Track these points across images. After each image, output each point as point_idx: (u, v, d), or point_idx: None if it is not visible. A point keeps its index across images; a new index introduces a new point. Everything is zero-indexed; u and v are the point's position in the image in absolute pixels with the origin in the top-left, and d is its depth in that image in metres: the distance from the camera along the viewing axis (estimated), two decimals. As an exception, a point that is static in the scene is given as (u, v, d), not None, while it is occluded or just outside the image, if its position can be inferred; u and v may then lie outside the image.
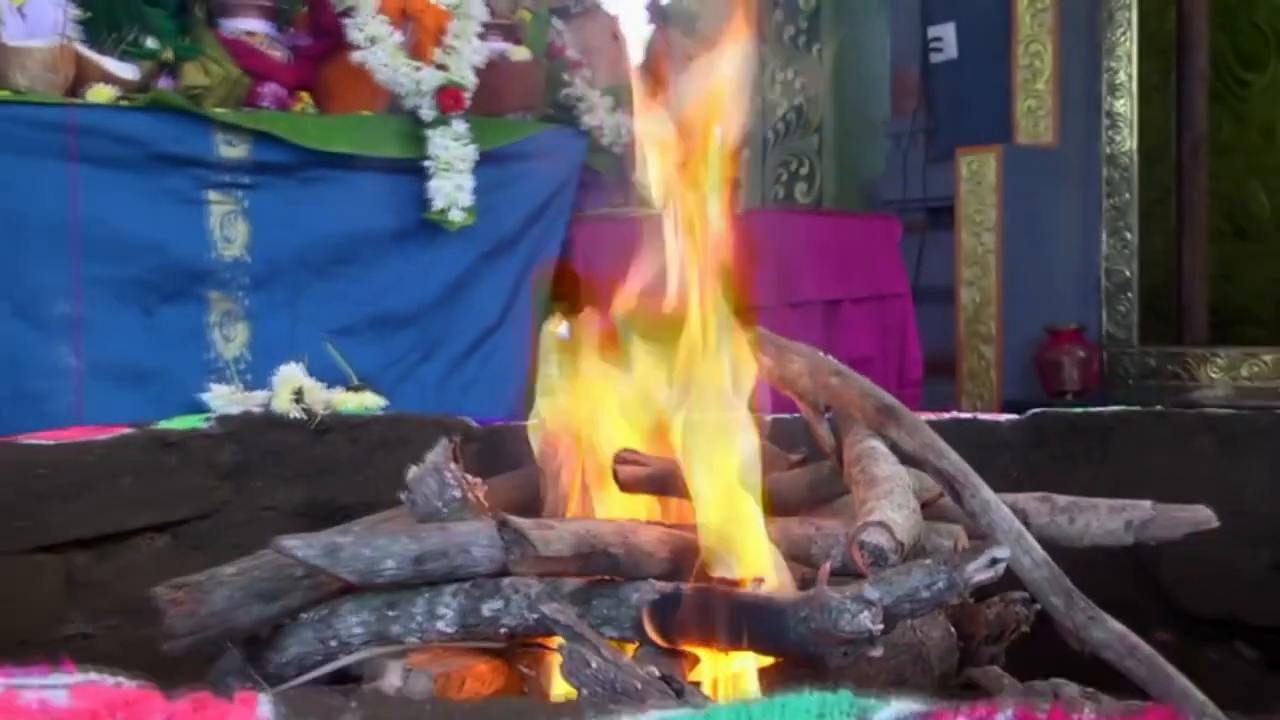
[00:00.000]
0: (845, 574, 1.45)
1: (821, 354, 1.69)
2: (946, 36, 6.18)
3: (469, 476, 1.54)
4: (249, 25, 3.83)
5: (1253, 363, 5.57)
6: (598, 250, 3.87)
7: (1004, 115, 5.86)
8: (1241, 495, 2.13)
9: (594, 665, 1.17)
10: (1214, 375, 5.60)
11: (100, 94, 3.39)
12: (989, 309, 5.80)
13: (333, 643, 1.47)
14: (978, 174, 5.84)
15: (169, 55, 3.54)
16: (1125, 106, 5.77)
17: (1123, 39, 5.74)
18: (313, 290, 3.56)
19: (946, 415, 2.41)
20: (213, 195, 3.44)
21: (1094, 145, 5.79)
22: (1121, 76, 5.77)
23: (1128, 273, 5.79)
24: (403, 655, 1.41)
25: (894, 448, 1.60)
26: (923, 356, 4.83)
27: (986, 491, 1.53)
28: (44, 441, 2.09)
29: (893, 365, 4.66)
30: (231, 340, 3.46)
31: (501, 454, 2.33)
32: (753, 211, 4.66)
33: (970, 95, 6.10)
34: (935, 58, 6.26)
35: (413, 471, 1.53)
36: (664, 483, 1.54)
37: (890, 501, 1.41)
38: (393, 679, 1.35)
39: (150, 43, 3.55)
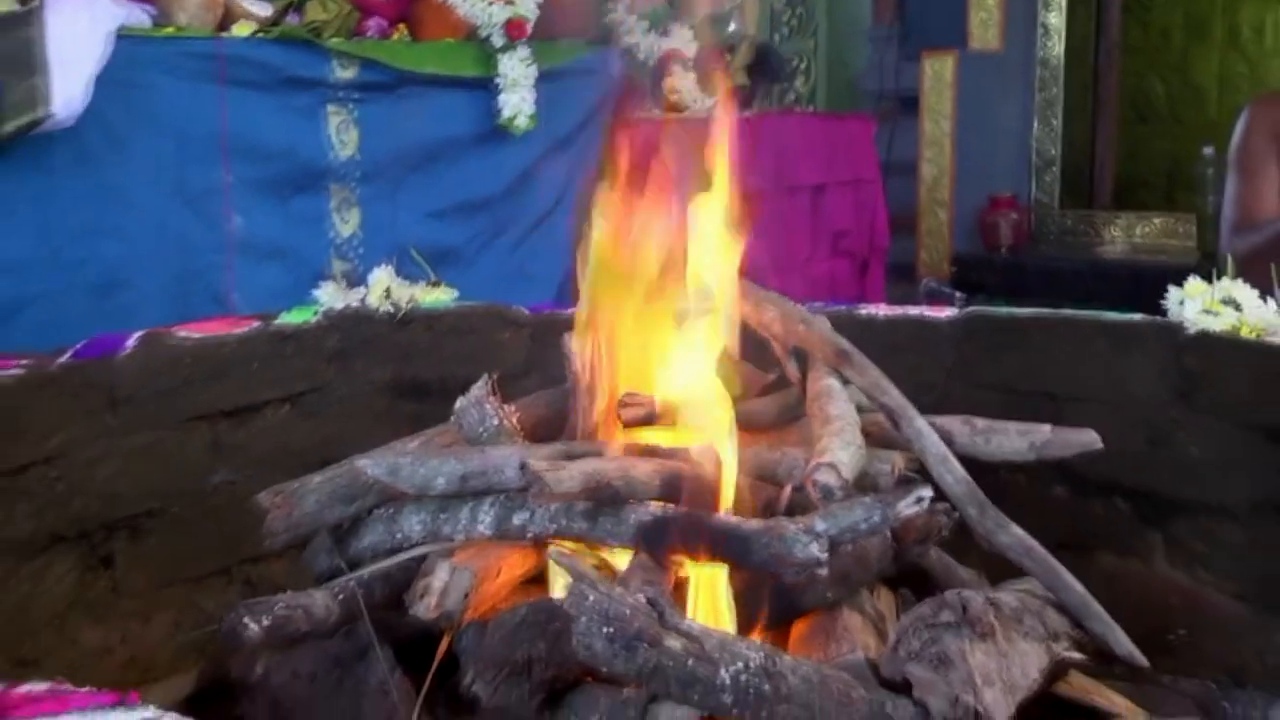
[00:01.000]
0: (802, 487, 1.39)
1: (791, 303, 1.59)
2: (918, -40, 5.98)
3: (504, 406, 1.46)
4: (361, -30, 3.66)
5: (1145, 224, 5.48)
6: (633, 146, 3.76)
7: (960, 25, 5.70)
8: (1126, 386, 2.04)
9: (591, 599, 1.10)
10: (1115, 234, 5.50)
11: (242, 29, 3.25)
12: (944, 180, 5.72)
13: (398, 535, 1.41)
14: (938, 73, 5.72)
15: (295, -7, 3.40)
16: (1056, 19, 5.60)
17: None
18: (409, 182, 3.46)
19: (898, 312, 2.32)
20: (330, 109, 3.33)
21: (1030, 50, 5.61)
22: (1055, -7, 5.60)
23: (1053, 151, 5.67)
24: (450, 554, 1.36)
25: (848, 384, 1.52)
26: (889, 227, 4.72)
27: (920, 421, 1.44)
28: (190, 335, 2.02)
29: (865, 235, 4.55)
30: (347, 222, 3.38)
31: (548, 337, 2.24)
32: (758, 114, 4.50)
33: (934, 8, 5.88)
34: (908, -24, 6.05)
35: (459, 403, 1.46)
36: (659, 419, 1.45)
37: (840, 440, 1.32)
38: (441, 575, 1.30)
39: (282, -16, 3.39)
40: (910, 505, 1.26)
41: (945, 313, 2.26)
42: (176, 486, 1.96)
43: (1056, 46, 5.59)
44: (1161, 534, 2.02)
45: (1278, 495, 1.86)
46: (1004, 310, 2.23)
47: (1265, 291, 2.70)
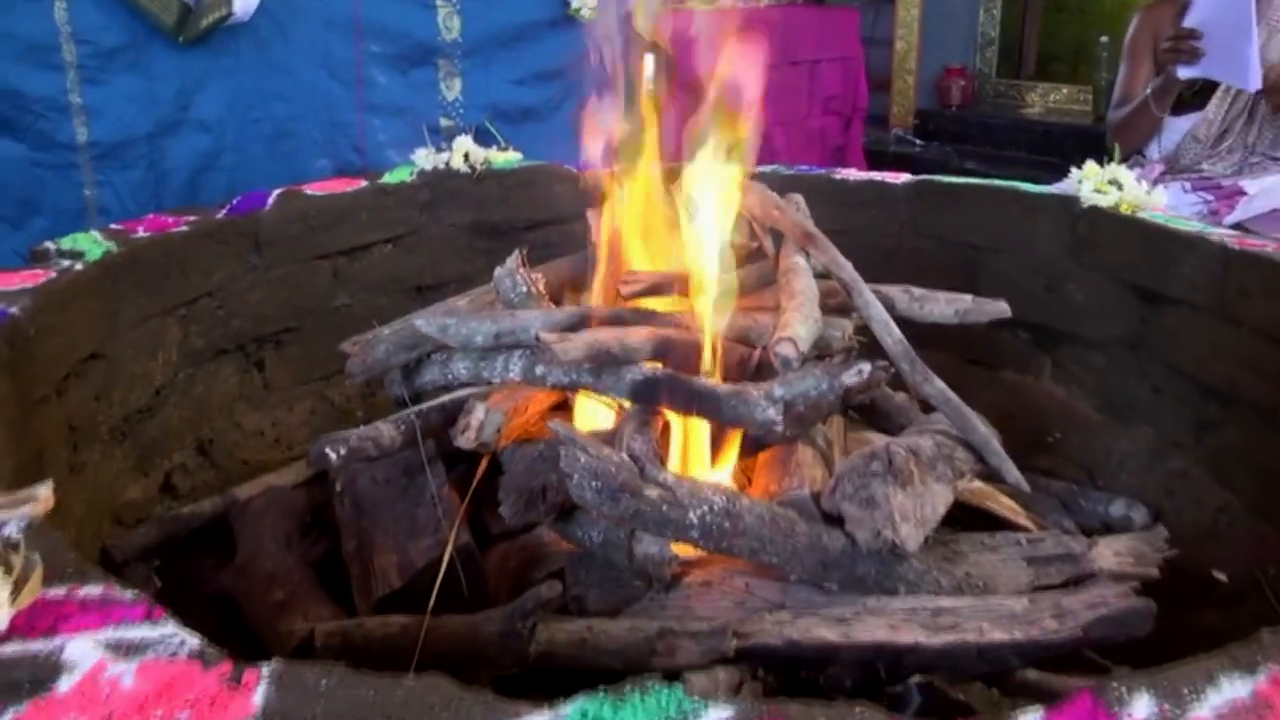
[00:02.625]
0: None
1: (769, 191, 1.33)
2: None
3: (533, 274, 1.24)
4: (459, -115, 3.19)
5: (1056, 92, 4.98)
6: (678, 31, 3.35)
7: (926, -70, 5.07)
8: (1031, 243, 1.77)
9: (582, 460, 0.92)
10: (1035, 99, 5.02)
11: None
12: (912, 53, 5.24)
13: (449, 376, 1.20)
14: None
15: (410, -92, 2.97)
16: None
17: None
18: (499, 56, 3.09)
19: (865, 177, 2.01)
20: (439, 2, 2.98)
21: None
22: (999, -93, 4.92)
23: (993, 33, 5.10)
24: (487, 395, 1.17)
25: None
26: (869, 91, 4.29)
27: (868, 292, 1.19)
28: (315, 193, 1.79)
29: (849, 99, 4.12)
30: (451, 89, 3.05)
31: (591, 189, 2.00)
32: (774, 6, 4.03)
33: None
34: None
35: (497, 272, 1.23)
36: (656, 290, 1.22)
37: (800, 314, 1.09)
38: (478, 414, 1.12)
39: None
40: (852, 376, 1.05)
41: (901, 179, 1.96)
42: (307, 308, 1.78)
43: (999, -50, 4.98)
44: (1050, 358, 1.80)
45: (1132, 335, 1.63)
46: (945, 179, 1.93)
47: (1129, 150, 2.43)
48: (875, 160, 4.27)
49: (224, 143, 2.72)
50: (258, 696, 0.52)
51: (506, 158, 2.01)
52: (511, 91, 3.11)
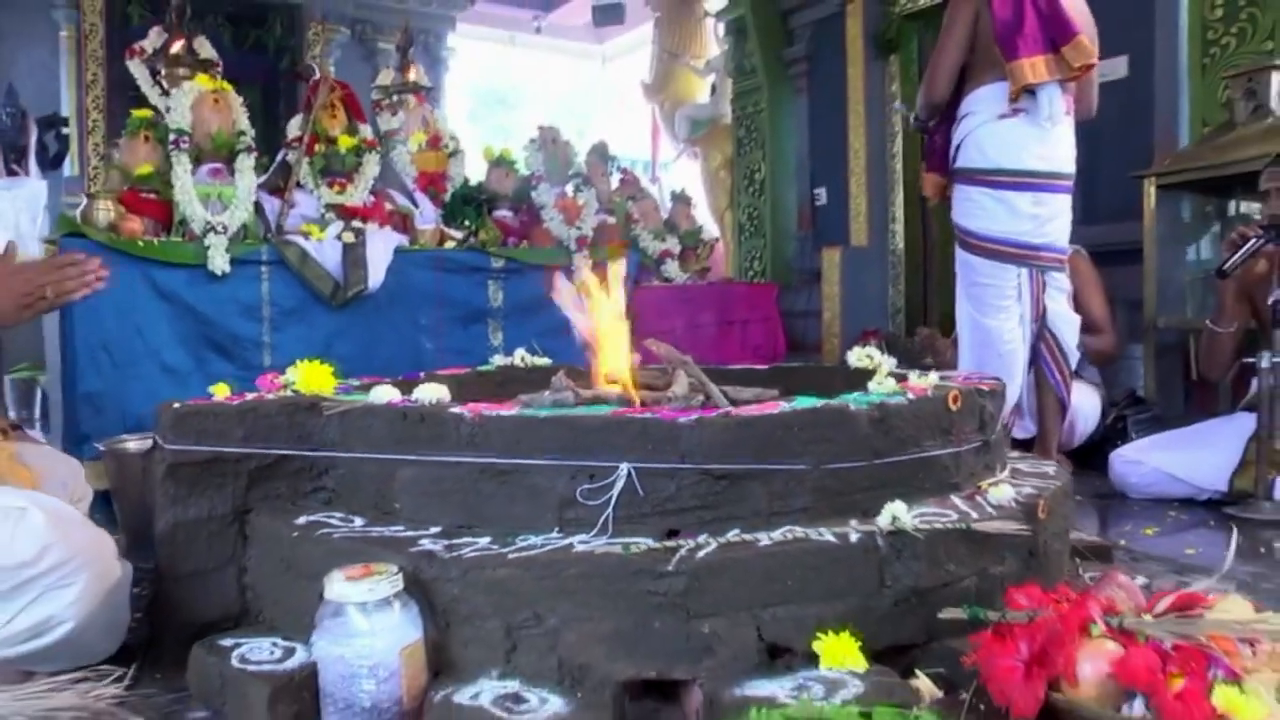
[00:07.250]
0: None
1: (673, 348, 3.31)
2: (822, 193, 7.59)
3: (569, 381, 3.16)
4: (503, 213, 5.25)
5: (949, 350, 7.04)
6: (642, 302, 5.45)
7: (845, 230, 7.18)
8: (831, 387, 3.70)
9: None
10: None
11: (448, 244, 4.99)
12: (835, 321, 7.01)
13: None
14: (832, 259, 7.02)
15: (472, 227, 5.14)
16: (898, 225, 7.11)
17: (894, 193, 7.22)
18: (529, 318, 4.94)
19: (742, 366, 4.00)
20: (490, 282, 4.94)
21: (884, 244, 7.06)
22: (897, 212, 7.23)
23: (900, 304, 7.20)
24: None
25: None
26: (787, 344, 6.35)
27: (710, 385, 3.13)
28: (442, 373, 3.75)
29: (770, 347, 6.14)
30: (496, 338, 5.02)
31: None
32: (714, 284, 6.21)
33: (831, 220, 7.35)
34: (818, 202, 7.58)
35: (553, 381, 3.16)
36: (619, 380, 3.14)
37: (679, 387, 3.02)
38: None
39: (466, 222, 5.17)
40: (694, 402, 2.95)
41: (762, 366, 3.94)
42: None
43: (900, 242, 7.22)
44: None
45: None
46: (789, 364, 3.91)
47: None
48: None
49: (351, 371, 4.72)
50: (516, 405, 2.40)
51: (541, 362, 3.99)
52: (538, 340, 5.15)
